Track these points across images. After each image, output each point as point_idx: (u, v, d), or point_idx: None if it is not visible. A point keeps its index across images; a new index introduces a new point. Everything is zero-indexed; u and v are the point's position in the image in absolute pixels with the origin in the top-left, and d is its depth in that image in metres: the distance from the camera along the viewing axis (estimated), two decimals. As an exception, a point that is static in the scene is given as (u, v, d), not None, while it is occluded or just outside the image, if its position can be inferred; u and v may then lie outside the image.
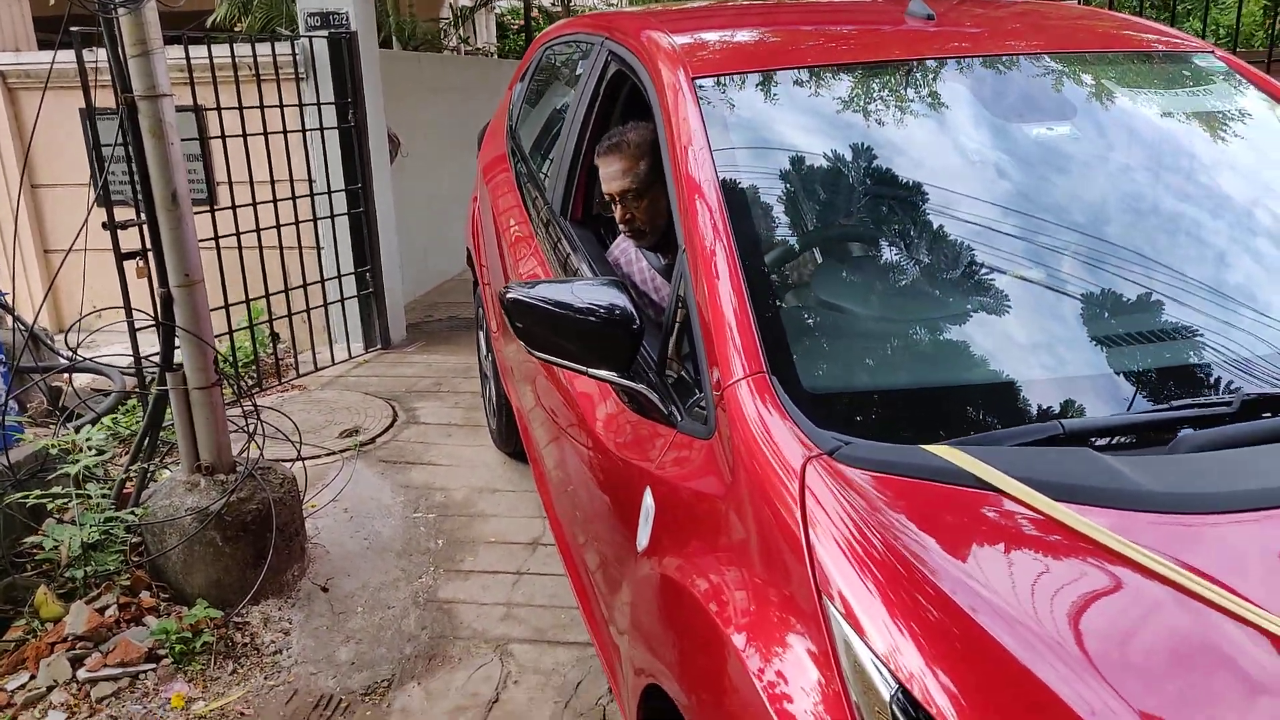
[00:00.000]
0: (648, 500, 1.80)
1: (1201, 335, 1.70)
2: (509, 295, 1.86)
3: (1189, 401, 1.52)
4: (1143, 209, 2.01)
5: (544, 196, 3.06)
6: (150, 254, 3.20)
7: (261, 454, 3.29)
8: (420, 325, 6.11)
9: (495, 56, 13.19)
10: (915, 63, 2.24)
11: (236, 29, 8.98)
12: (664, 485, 1.76)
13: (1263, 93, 2.29)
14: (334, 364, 5.29)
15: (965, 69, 2.22)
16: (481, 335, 4.30)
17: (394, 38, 8.88)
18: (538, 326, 1.85)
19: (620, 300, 1.82)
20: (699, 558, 1.57)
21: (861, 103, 2.15)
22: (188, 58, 4.33)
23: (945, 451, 1.38)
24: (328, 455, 4.17)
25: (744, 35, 2.57)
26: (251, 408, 3.42)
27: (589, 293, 1.83)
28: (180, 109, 3.54)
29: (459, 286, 7.01)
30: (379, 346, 5.56)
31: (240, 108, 4.58)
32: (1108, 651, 1.15)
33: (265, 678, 2.87)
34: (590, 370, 1.86)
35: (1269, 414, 1.49)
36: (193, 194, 4.93)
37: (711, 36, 2.49)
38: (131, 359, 3.78)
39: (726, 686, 1.40)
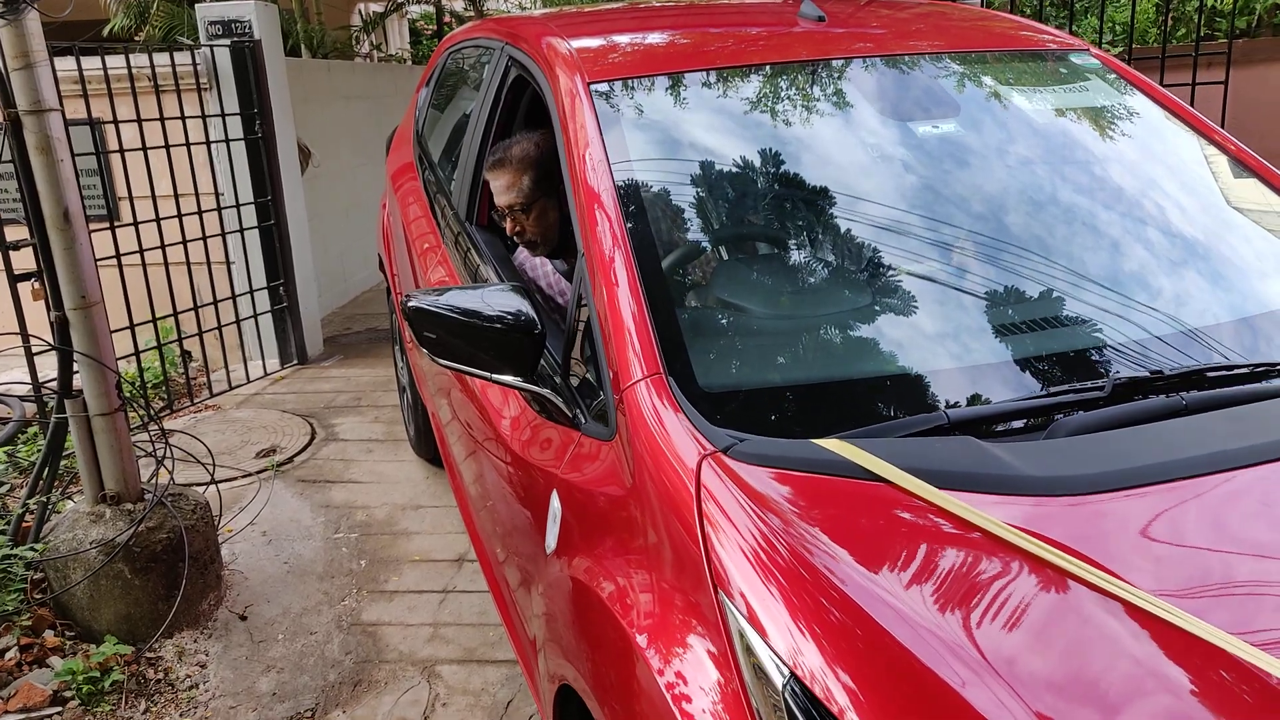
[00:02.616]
0: (555, 503, 1.82)
1: (1076, 323, 1.76)
2: (410, 304, 1.86)
3: (1064, 388, 1.58)
4: (1020, 203, 2.06)
5: (450, 202, 3.05)
6: (44, 276, 3.05)
7: (172, 480, 3.15)
8: (338, 339, 5.96)
9: (409, 62, 12.98)
10: (805, 64, 2.28)
11: (136, 39, 8.67)
12: (569, 487, 1.78)
13: (1133, 87, 2.39)
14: (249, 382, 5.13)
15: (854, 70, 2.27)
16: (396, 349, 4.25)
17: (302, 45, 8.66)
18: (440, 334, 1.84)
19: (522, 305, 1.82)
20: (604, 559, 1.59)
21: (754, 104, 2.18)
22: (80, 69, 4.16)
23: (836, 445, 1.42)
24: (244, 477, 4.04)
25: (640, 39, 2.59)
26: (159, 432, 3.29)
27: (490, 299, 1.83)
28: (75, 123, 3.39)
29: (378, 297, 6.86)
30: (295, 362, 5.41)
31: (139, 120, 4.41)
32: (992, 636, 1.20)
33: (181, 715, 2.75)
34: (494, 376, 1.86)
35: (1139, 396, 1.55)
36: (92, 210, 4.77)
37: (608, 41, 2.50)
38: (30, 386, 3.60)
39: (632, 687, 1.41)
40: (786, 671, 1.21)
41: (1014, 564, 1.27)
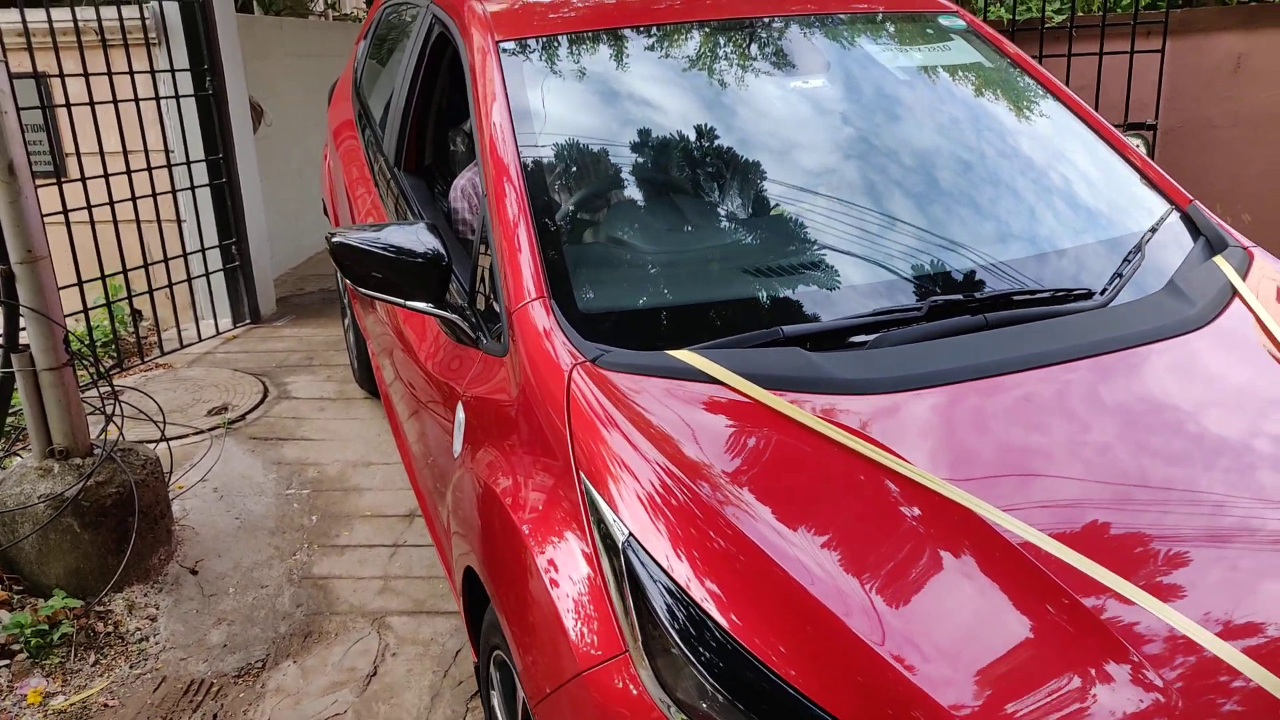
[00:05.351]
0: (460, 414, 2.10)
1: (903, 255, 2.05)
2: (335, 239, 2.07)
3: (887, 307, 1.87)
4: (869, 151, 2.33)
5: (382, 150, 3.24)
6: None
7: (121, 435, 3.16)
8: (291, 299, 5.94)
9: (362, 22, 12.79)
10: (691, 24, 2.52)
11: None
12: (471, 399, 2.05)
13: (992, 47, 2.66)
14: (200, 340, 5.11)
15: (739, 29, 2.52)
16: (340, 280, 4.49)
17: (255, 2, 8.51)
18: (361, 267, 2.06)
19: (430, 240, 2.06)
20: (497, 457, 1.85)
21: (643, 60, 2.44)
22: (24, 21, 4.08)
23: (684, 355, 1.73)
24: (195, 434, 4.04)
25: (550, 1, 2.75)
26: (109, 388, 3.29)
27: (402, 235, 2.08)
28: (20, 76, 3.35)
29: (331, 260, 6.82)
30: (248, 321, 5.39)
31: (86, 75, 4.34)
32: (790, 503, 1.51)
33: (131, 667, 2.79)
34: (408, 302, 2.10)
35: (949, 316, 1.84)
36: (38, 167, 4.70)
37: (520, 2, 2.65)
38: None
39: (519, 577, 1.66)
40: (625, 531, 1.49)
41: (816, 447, 1.57)
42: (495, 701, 2.05)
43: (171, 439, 3.78)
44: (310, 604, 3.03)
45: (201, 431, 4.08)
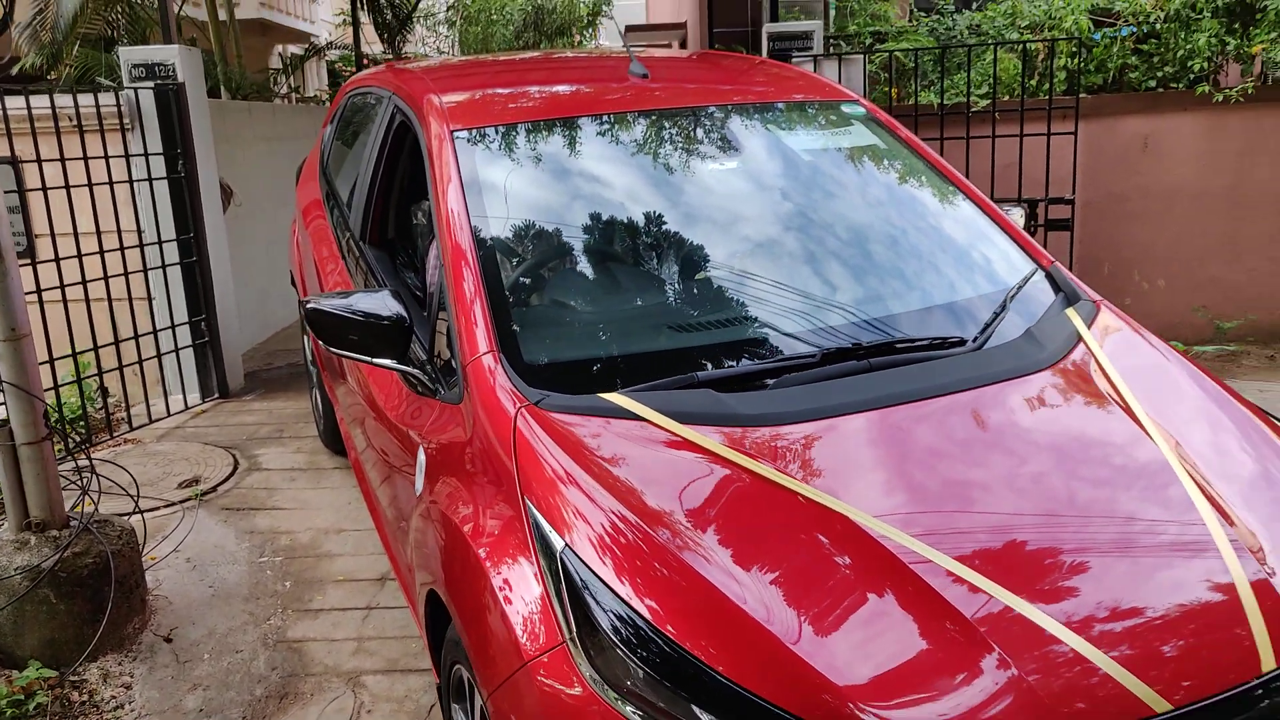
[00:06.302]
0: (421, 456, 2.37)
1: (803, 312, 2.36)
2: (309, 305, 2.34)
3: (786, 355, 2.21)
4: (773, 223, 2.67)
5: (348, 224, 3.52)
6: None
7: (96, 508, 3.23)
8: (259, 373, 6.03)
9: (326, 104, 13.09)
10: (626, 115, 2.86)
11: (51, 77, 8.65)
12: (432, 442, 2.33)
13: (888, 131, 3.01)
14: (170, 415, 5.18)
15: (668, 118, 2.87)
16: (306, 342, 4.79)
17: (222, 87, 8.74)
18: (333, 329, 2.34)
19: (395, 305, 2.34)
20: (454, 489, 2.13)
21: (578, 146, 2.75)
22: (3, 108, 4.23)
23: (614, 397, 2.04)
24: (166, 507, 4.10)
25: (498, 93, 3.15)
26: (86, 460, 3.36)
27: (369, 301, 2.36)
28: (-2, 161, 3.49)
29: (298, 334, 6.93)
30: (216, 396, 5.47)
31: (63, 159, 4.48)
32: (699, 510, 1.81)
33: (107, 733, 2.83)
34: (375, 359, 2.36)
35: (838, 362, 2.16)
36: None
37: (472, 95, 3.01)
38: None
39: (475, 588, 1.91)
40: (561, 542, 1.77)
41: (719, 468, 1.88)
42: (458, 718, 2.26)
43: (143, 511, 3.84)
44: (285, 666, 3.09)
45: (173, 504, 4.14)
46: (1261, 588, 1.66)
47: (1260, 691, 1.54)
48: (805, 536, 1.75)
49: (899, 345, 2.24)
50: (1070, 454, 1.98)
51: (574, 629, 1.68)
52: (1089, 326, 2.36)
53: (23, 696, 2.85)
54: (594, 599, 1.68)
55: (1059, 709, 1.48)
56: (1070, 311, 2.42)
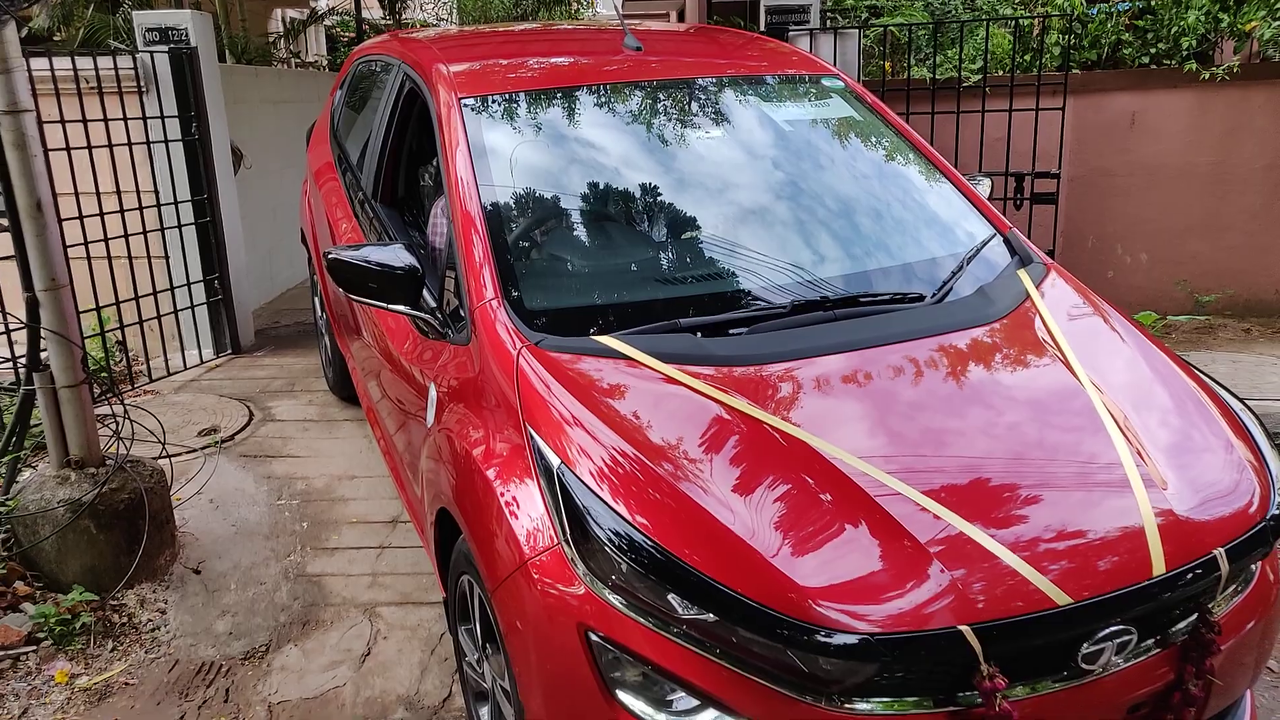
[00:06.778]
0: (432, 391, 2.64)
1: (778, 268, 2.59)
2: (331, 256, 2.59)
3: (760, 306, 2.46)
4: (756, 186, 2.90)
5: (360, 185, 3.75)
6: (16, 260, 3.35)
7: (129, 449, 3.47)
8: (267, 331, 6.25)
9: (327, 69, 13.18)
10: (622, 85, 3.09)
11: (56, 39, 8.77)
12: (442, 379, 2.60)
13: (864, 104, 3.25)
14: (185, 369, 5.41)
15: (659, 89, 3.09)
16: (316, 300, 5.01)
17: (226, 52, 8.87)
18: (351, 278, 2.58)
19: (407, 257, 2.59)
20: (463, 417, 2.38)
21: (578, 113, 2.99)
22: (29, 70, 4.40)
23: (605, 339, 2.30)
24: (188, 453, 4.34)
25: (503, 62, 3.34)
26: (120, 403, 3.60)
27: (384, 254, 2.60)
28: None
29: (304, 294, 7.14)
30: (229, 352, 5.70)
31: (85, 120, 4.67)
32: (681, 439, 2.04)
33: (146, 652, 3.09)
34: (390, 305, 2.61)
35: (807, 312, 2.41)
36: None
37: (479, 64, 3.21)
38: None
39: (482, 502, 2.17)
40: (558, 460, 2.02)
41: (699, 400, 2.13)
42: (462, 635, 2.55)
43: (169, 456, 4.08)
44: (306, 597, 3.35)
45: (194, 450, 4.38)
46: (1163, 513, 1.94)
47: (1155, 590, 1.84)
48: (771, 460, 2.00)
49: (863, 299, 2.49)
50: (1010, 396, 2.24)
51: (568, 532, 1.95)
52: (1037, 286, 2.61)
53: (69, 616, 3.10)
54: (585, 507, 1.93)
55: (978, 602, 1.75)
56: (1022, 272, 2.67)
